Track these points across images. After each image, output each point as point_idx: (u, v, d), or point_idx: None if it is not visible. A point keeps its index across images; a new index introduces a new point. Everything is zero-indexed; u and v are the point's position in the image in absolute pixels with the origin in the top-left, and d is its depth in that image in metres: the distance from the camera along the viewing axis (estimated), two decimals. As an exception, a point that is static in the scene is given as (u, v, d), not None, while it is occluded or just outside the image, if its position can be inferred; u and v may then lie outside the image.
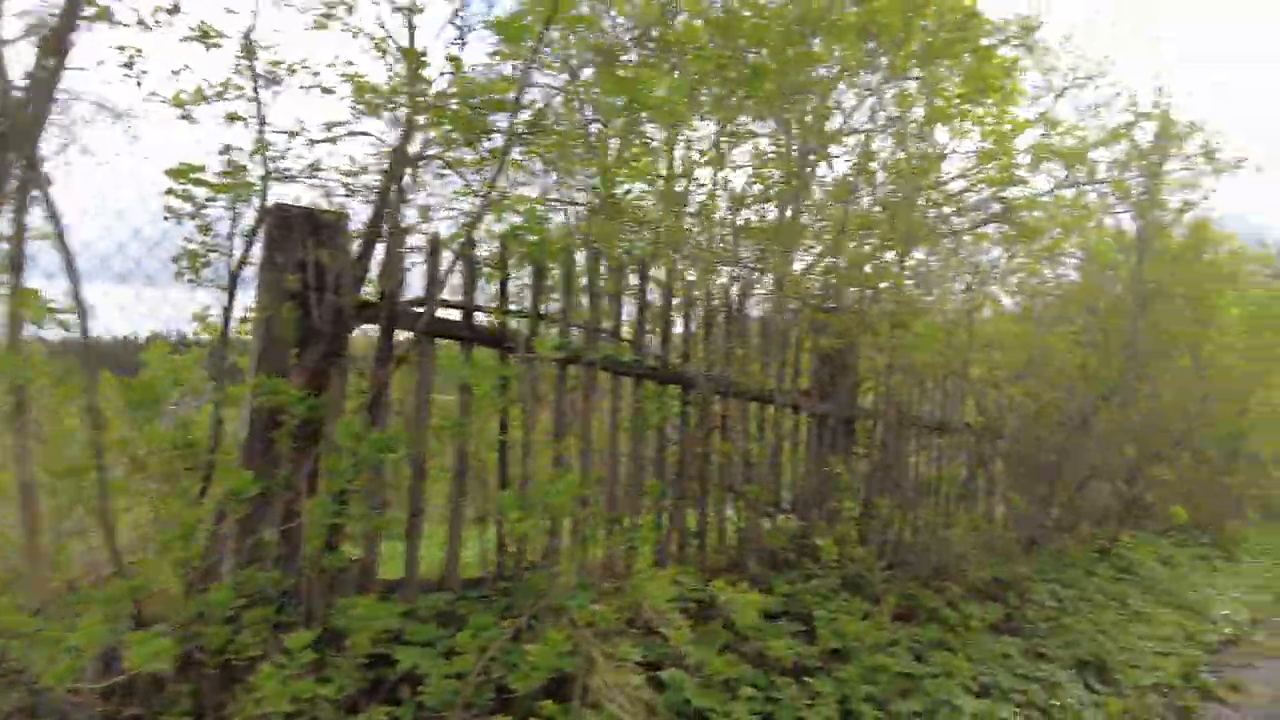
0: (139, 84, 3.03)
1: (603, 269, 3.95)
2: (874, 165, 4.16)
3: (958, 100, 4.09)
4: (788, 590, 4.02)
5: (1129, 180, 5.98)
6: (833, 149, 4.42)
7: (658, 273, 4.30)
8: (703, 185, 4.15)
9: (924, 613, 4.46)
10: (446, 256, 3.14)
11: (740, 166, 4.11)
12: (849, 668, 3.51)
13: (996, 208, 4.66)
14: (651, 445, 4.11)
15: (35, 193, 2.58)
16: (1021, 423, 6.62)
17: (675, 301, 4.31)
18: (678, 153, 4.41)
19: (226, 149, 2.94)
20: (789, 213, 4.02)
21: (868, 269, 4.51)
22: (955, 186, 4.97)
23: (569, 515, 3.17)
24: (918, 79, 4.13)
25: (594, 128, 3.74)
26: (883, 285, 4.88)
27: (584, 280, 3.83)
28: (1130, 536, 7.69)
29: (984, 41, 3.76)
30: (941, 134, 4.49)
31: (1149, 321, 6.21)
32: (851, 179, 4.46)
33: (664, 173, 4.22)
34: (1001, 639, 4.68)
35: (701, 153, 4.10)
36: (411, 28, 3.25)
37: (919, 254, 5.49)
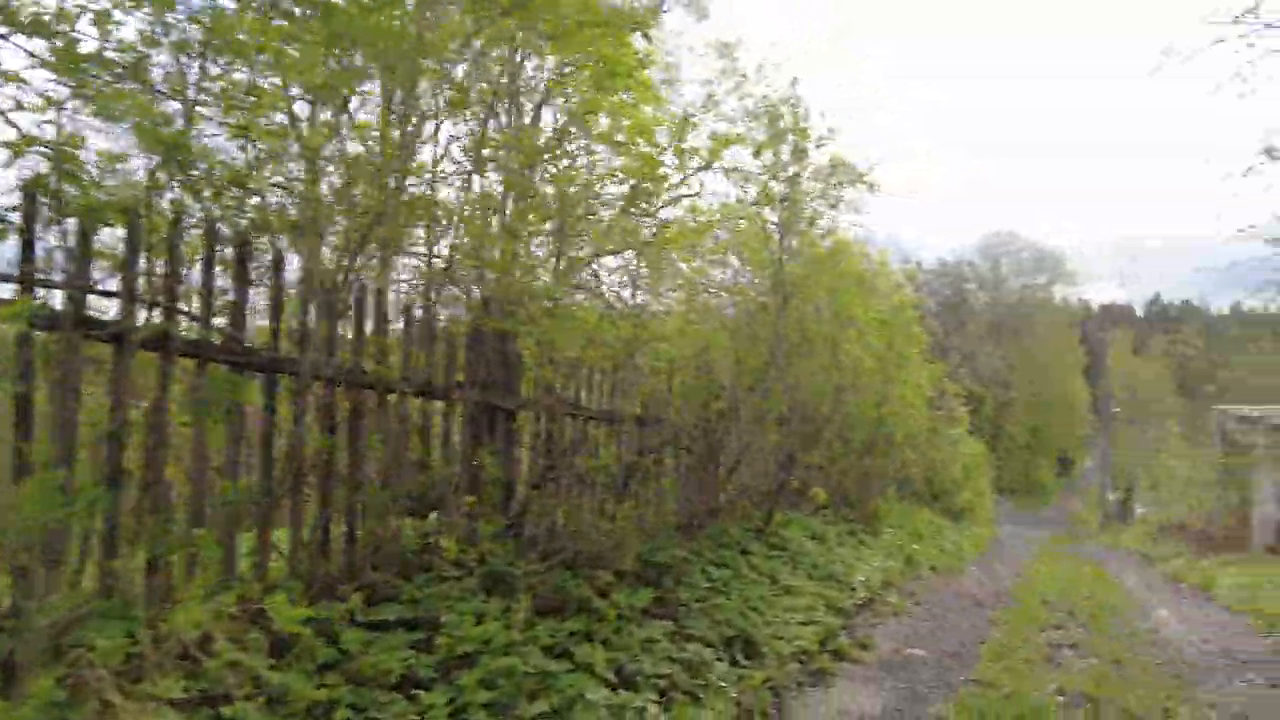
0: None
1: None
2: (492, 141, 3.94)
3: (590, 85, 4.02)
4: (417, 596, 3.64)
5: (774, 188, 6.46)
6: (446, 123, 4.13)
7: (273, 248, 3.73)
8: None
9: (574, 604, 4.30)
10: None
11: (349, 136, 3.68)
12: (470, 673, 3.21)
13: (642, 204, 4.72)
14: (260, 443, 3.53)
15: None
16: (683, 412, 6.85)
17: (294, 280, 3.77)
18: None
19: None
20: (392, 185, 3.65)
21: (498, 253, 4.27)
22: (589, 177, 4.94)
23: (70, 525, 2.51)
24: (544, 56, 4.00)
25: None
26: (539, 273, 4.71)
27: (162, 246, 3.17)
28: (784, 516, 8.33)
29: (611, 25, 3.71)
30: (577, 122, 4.38)
31: (791, 320, 6.78)
32: (470, 154, 4.22)
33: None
34: (653, 624, 4.67)
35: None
36: None
37: (585, 247, 5.39)
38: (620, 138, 4.40)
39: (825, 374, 8.24)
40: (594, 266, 5.66)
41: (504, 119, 4.53)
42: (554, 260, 4.76)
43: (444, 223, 3.82)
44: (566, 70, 4.25)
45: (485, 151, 4.17)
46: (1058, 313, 50.05)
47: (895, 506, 12.94)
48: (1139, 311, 75.03)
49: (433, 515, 4.30)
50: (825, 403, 8.37)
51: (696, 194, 5.24)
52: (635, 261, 5.70)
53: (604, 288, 5.43)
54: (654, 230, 5.04)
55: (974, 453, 24.33)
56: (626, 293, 5.85)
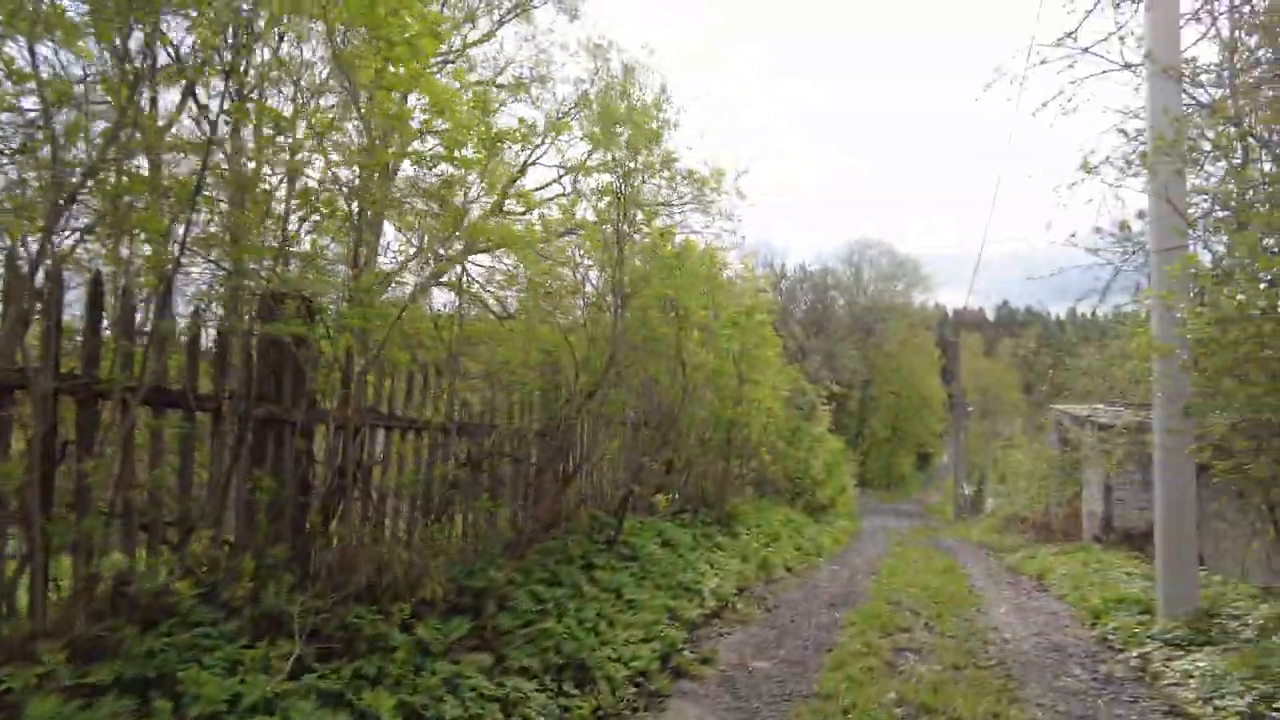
0: None
1: None
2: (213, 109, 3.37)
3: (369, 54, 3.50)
4: (153, 649, 3.03)
5: (610, 182, 6.11)
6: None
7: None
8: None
9: (364, 642, 3.78)
10: None
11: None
12: (201, 745, 2.66)
13: (433, 182, 4.24)
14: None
15: None
16: (527, 419, 6.39)
17: None
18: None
19: None
20: (111, 155, 3.04)
21: (267, 241, 3.70)
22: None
23: None
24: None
25: None
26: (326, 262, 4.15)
27: None
28: (640, 523, 8.02)
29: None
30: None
31: (633, 321, 6.47)
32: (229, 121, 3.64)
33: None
34: (467, 658, 4.20)
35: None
36: None
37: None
38: (419, 118, 3.89)
39: (671, 376, 8.00)
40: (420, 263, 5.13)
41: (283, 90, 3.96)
42: (355, 254, 4.20)
43: (194, 204, 3.21)
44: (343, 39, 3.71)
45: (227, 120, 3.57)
46: (914, 316, 52.79)
47: (755, 506, 12.94)
48: (990, 316, 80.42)
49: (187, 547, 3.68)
50: (675, 405, 8.12)
51: (517, 179, 4.80)
52: (461, 256, 5.19)
53: (418, 284, 4.88)
54: (474, 223, 4.56)
55: (835, 450, 25.04)
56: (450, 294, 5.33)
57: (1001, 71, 9.61)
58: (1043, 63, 9.78)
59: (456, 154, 3.89)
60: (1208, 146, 6.63)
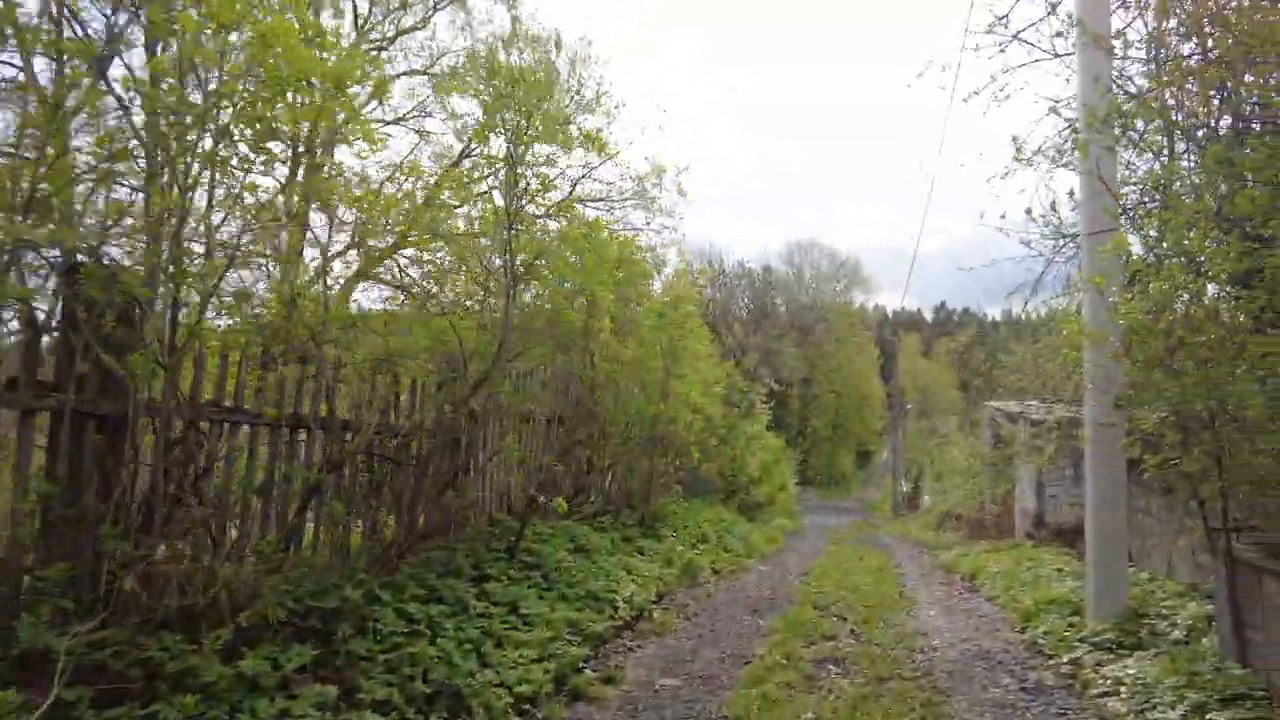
0: None
1: None
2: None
3: None
4: None
5: (498, 149, 5.51)
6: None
7: None
8: None
9: (168, 680, 3.14)
10: None
11: None
12: None
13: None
14: None
15: None
16: (418, 415, 5.77)
17: None
18: None
19: None
20: None
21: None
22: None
23: None
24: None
25: None
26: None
27: None
28: (549, 528, 7.45)
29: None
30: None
31: (535, 306, 5.89)
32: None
33: None
34: (306, 690, 3.58)
35: None
36: None
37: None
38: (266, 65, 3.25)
39: (579, 369, 7.44)
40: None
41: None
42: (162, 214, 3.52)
43: None
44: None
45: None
46: (855, 316, 53.32)
47: (684, 506, 12.43)
48: (928, 317, 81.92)
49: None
50: (589, 399, 7.56)
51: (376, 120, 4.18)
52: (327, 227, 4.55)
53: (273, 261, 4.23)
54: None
55: (774, 448, 24.81)
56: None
57: (933, 61, 9.36)
58: (976, 49, 9.55)
59: (288, 95, 3.26)
60: (1137, 137, 6.36)
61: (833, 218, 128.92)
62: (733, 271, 41.79)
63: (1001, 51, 9.57)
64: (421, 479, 5.00)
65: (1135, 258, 5.35)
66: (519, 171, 5.46)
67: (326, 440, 4.63)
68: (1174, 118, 6.96)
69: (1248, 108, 6.80)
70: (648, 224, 21.23)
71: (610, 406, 8.55)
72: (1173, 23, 7.67)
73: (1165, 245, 5.89)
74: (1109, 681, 5.47)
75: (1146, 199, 8.60)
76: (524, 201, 5.57)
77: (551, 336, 6.34)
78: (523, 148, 5.43)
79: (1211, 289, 5.78)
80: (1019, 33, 9.66)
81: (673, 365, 9.78)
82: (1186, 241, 5.49)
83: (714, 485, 16.09)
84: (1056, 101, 9.44)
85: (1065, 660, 6.12)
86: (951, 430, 32.61)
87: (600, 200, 24.22)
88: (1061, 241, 10.28)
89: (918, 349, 59.94)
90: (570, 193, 22.71)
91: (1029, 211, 6.08)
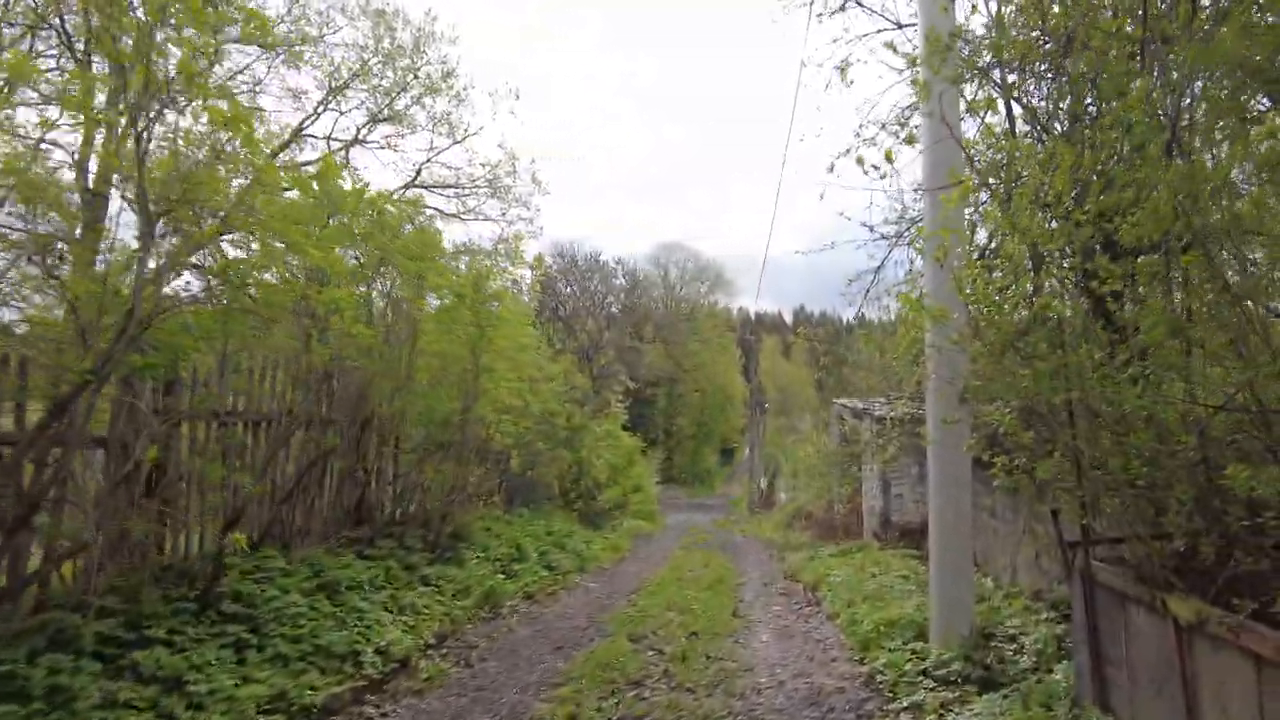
0: None
1: None
2: None
3: None
4: None
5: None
6: None
7: None
8: None
9: None
10: None
11: None
12: None
13: None
14: None
15: None
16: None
17: None
18: None
19: None
20: None
21: None
22: None
23: None
24: None
25: None
26: None
27: None
28: (288, 563, 5.82)
29: None
30: None
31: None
32: None
33: None
34: None
35: None
36: None
37: None
38: None
39: (318, 356, 5.87)
40: None
41: None
42: None
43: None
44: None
45: None
46: (718, 317, 53.61)
47: (504, 520, 10.95)
48: (788, 319, 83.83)
49: None
50: (359, 398, 5.98)
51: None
52: None
53: None
54: None
55: (629, 448, 23.74)
56: None
57: (786, 37, 8.43)
58: (819, 17, 8.73)
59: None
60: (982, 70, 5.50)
61: (727, 204, 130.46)
62: (585, 266, 40.43)
63: (842, 9, 8.75)
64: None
65: (986, 211, 4.37)
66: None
67: None
68: (1015, 92, 6.24)
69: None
70: (503, 214, 19.56)
71: (388, 403, 7.01)
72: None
73: (1010, 216, 5.04)
74: (955, 734, 4.50)
75: (990, 179, 7.95)
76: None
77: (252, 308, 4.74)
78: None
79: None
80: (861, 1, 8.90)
81: (483, 358, 8.29)
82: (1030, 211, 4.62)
83: (550, 492, 14.68)
84: (903, 71, 8.73)
85: (906, 704, 5.14)
86: (807, 428, 32.66)
87: (450, 187, 22.33)
88: (905, 225, 9.60)
89: (778, 349, 61.02)
90: (415, 177, 20.65)
91: (860, 161, 5.04)
